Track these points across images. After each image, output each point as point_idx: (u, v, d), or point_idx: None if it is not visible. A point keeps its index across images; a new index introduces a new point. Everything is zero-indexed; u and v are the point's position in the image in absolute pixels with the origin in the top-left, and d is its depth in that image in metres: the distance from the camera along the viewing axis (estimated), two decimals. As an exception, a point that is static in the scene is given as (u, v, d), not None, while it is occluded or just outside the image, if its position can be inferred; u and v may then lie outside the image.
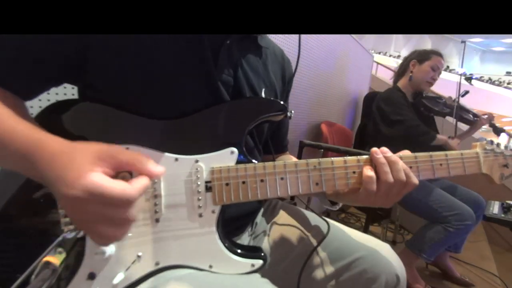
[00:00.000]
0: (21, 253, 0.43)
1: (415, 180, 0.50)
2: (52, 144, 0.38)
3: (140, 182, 0.37)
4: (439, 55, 1.70)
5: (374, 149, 0.51)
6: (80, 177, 0.33)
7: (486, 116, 1.70)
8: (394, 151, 0.52)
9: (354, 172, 0.51)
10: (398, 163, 0.49)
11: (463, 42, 1.81)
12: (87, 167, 0.34)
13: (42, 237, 0.43)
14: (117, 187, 0.34)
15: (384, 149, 0.51)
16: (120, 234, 0.37)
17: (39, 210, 0.44)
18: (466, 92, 1.68)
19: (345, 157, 0.51)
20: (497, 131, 1.72)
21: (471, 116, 1.74)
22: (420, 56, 1.71)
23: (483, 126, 1.74)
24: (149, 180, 0.38)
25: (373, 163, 0.51)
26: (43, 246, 0.40)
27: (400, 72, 1.80)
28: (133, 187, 0.36)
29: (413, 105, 1.71)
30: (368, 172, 0.50)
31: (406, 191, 0.51)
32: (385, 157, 0.50)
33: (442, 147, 1.58)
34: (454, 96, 1.74)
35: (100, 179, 0.34)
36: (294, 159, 0.61)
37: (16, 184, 0.45)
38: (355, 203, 0.54)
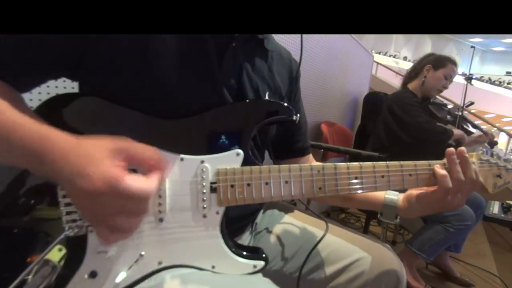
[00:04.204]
0: (18, 252, 0.42)
1: (481, 179, 0.56)
2: (62, 138, 0.37)
3: (156, 177, 0.39)
4: (455, 64, 1.67)
5: (451, 149, 0.54)
6: (101, 171, 0.34)
7: (488, 133, 1.72)
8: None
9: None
10: (470, 163, 0.54)
11: (473, 47, 1.82)
12: (106, 161, 0.35)
13: (38, 235, 0.43)
14: (136, 182, 0.35)
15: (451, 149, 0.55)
16: (134, 225, 0.38)
17: (34, 208, 0.43)
18: (471, 103, 1.70)
19: (348, 163, 0.52)
20: (491, 144, 1.76)
21: (471, 126, 1.76)
22: (436, 62, 1.67)
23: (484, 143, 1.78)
24: (161, 174, 0.40)
25: (445, 164, 0.55)
26: (39, 244, 0.40)
27: (413, 74, 1.77)
28: (150, 181, 0.37)
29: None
30: (442, 171, 0.53)
31: (474, 190, 0.56)
32: (459, 156, 0.54)
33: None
34: (459, 104, 1.76)
35: (120, 174, 0.35)
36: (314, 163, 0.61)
37: (9, 181, 0.44)
38: (429, 210, 0.57)
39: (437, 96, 1.82)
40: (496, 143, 1.76)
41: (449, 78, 1.66)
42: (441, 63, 1.66)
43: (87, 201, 0.36)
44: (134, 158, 0.38)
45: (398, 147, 1.63)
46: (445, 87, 1.69)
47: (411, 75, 1.78)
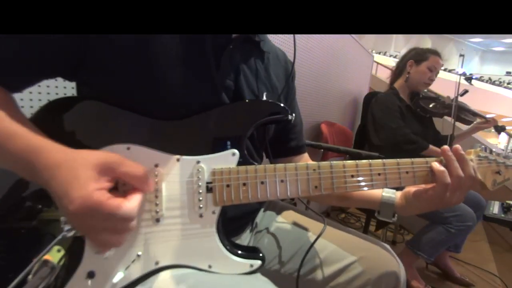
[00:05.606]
0: (18, 252, 0.42)
1: (480, 176, 0.56)
2: (52, 154, 0.38)
3: (137, 198, 0.40)
4: (437, 54, 1.66)
5: (445, 146, 0.54)
6: (84, 196, 0.35)
7: (490, 119, 1.69)
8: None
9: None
10: (467, 159, 0.54)
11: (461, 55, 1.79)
12: (90, 184, 0.36)
13: (38, 236, 0.43)
14: (114, 204, 0.36)
15: (451, 147, 0.54)
16: (121, 240, 0.39)
17: (35, 209, 0.44)
18: (465, 92, 1.66)
19: (344, 161, 0.52)
20: (498, 129, 1.71)
21: (470, 115, 1.71)
22: (418, 56, 1.67)
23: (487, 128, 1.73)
24: (142, 195, 0.41)
25: (442, 160, 0.54)
26: (40, 245, 0.41)
27: (397, 72, 1.77)
28: (130, 203, 0.38)
29: (410, 106, 1.69)
30: (440, 167, 0.53)
31: (473, 187, 0.56)
32: (455, 154, 0.53)
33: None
34: (452, 96, 1.72)
35: (102, 198, 0.36)
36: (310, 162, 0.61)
37: (10, 183, 0.44)
38: (427, 207, 0.56)
39: (432, 90, 1.81)
40: (503, 128, 1.70)
41: (434, 70, 1.64)
42: (422, 57, 1.65)
43: (73, 218, 0.37)
44: (120, 177, 0.40)
45: (376, 150, 1.59)
46: (432, 79, 1.67)
47: (396, 73, 1.78)
